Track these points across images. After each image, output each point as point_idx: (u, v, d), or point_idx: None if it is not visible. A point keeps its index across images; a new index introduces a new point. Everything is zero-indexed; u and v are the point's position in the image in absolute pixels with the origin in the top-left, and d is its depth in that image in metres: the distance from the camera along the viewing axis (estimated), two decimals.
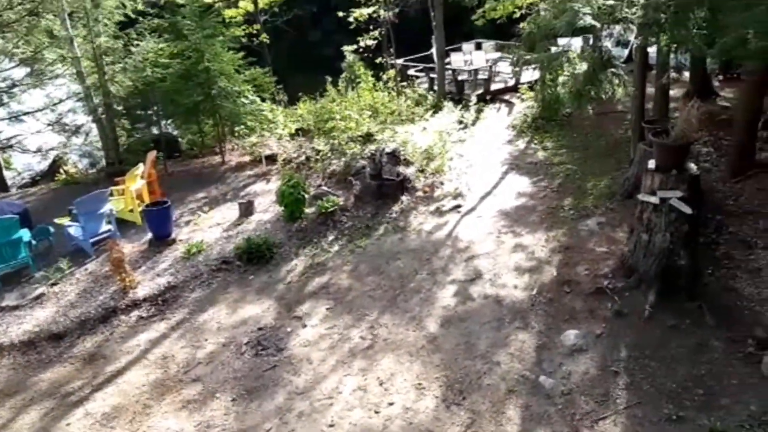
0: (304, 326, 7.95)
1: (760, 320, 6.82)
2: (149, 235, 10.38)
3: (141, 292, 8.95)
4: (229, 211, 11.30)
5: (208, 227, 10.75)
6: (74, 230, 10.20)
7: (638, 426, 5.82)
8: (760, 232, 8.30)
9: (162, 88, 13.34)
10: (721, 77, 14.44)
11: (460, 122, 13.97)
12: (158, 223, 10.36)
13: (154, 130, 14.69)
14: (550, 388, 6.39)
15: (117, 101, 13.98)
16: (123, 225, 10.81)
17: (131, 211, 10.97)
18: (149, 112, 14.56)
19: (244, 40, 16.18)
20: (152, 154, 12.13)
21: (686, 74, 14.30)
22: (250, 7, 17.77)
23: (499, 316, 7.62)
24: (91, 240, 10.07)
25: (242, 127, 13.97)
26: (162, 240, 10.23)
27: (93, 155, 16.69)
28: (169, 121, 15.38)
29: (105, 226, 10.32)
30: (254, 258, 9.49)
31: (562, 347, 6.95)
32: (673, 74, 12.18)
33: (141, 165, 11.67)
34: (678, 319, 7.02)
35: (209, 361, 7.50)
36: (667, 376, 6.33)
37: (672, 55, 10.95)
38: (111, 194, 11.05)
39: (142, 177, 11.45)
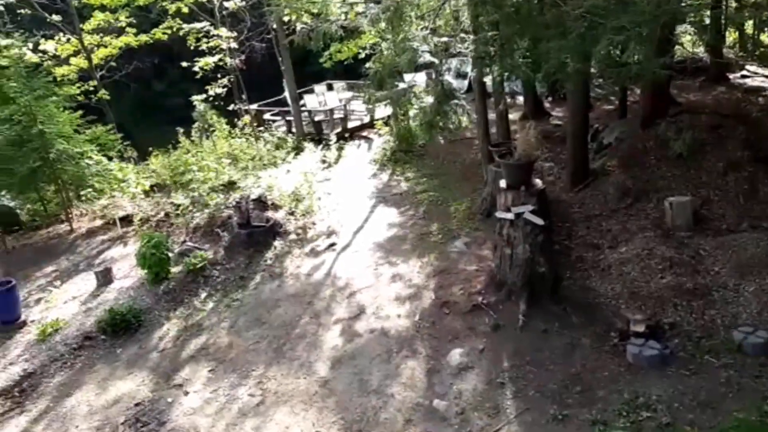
0: (186, 393, 7.46)
1: (616, 313, 7.54)
2: None
3: None
4: (85, 282, 10.36)
5: (63, 303, 9.77)
6: None
7: (529, 431, 6.12)
8: (603, 233, 9.23)
9: None
10: (550, 99, 15.98)
11: (324, 161, 14.12)
12: (2, 307, 9.25)
13: None
14: (444, 411, 6.55)
15: None
16: None
17: None
18: None
19: (81, 98, 15.17)
20: None
21: (520, 98, 15.71)
22: (84, 64, 16.74)
23: (387, 347, 7.69)
24: None
25: (89, 189, 12.97)
26: (9, 324, 9.14)
27: None
28: (3, 193, 13.89)
29: None
30: (120, 329, 8.78)
31: (450, 367, 7.18)
32: (508, 99, 13.33)
33: None
34: (548, 323, 7.57)
35: None
36: (547, 379, 6.77)
37: (505, 83, 11.97)
38: None
39: None
